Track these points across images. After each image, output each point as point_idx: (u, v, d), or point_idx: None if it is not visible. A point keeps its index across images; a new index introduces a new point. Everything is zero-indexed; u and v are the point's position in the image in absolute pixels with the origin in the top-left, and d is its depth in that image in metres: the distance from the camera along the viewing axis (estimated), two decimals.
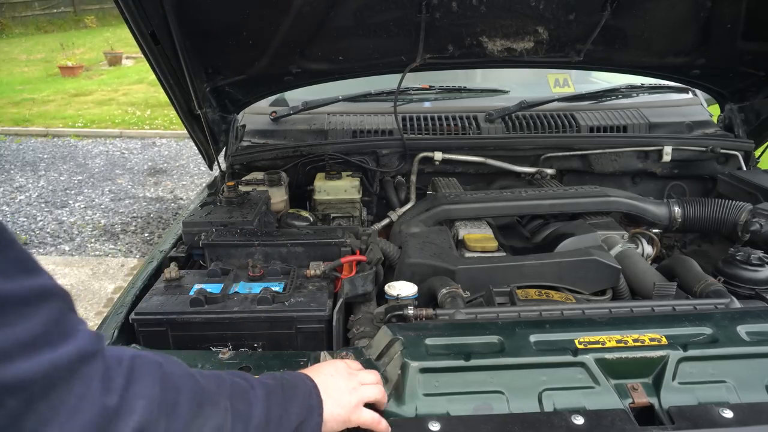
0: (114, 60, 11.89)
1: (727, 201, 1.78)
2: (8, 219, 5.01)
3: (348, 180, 2.00)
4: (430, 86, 2.42)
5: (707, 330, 1.06)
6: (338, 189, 1.98)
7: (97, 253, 4.43)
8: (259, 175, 2.02)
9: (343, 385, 0.90)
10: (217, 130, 2.20)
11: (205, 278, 1.39)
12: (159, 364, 0.63)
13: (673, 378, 0.98)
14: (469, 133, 2.20)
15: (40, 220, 5.01)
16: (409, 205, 2.00)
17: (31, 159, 6.72)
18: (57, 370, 0.51)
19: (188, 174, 6.28)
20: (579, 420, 0.90)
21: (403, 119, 2.24)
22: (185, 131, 2.12)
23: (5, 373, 0.47)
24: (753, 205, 1.74)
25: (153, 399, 0.58)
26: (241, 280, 1.36)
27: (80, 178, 6.08)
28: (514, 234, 1.85)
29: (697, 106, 2.42)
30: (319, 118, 2.29)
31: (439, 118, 2.28)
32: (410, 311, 1.19)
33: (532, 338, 1.04)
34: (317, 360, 1.11)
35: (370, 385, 0.94)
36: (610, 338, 1.04)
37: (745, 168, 2.12)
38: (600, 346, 1.02)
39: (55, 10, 16.35)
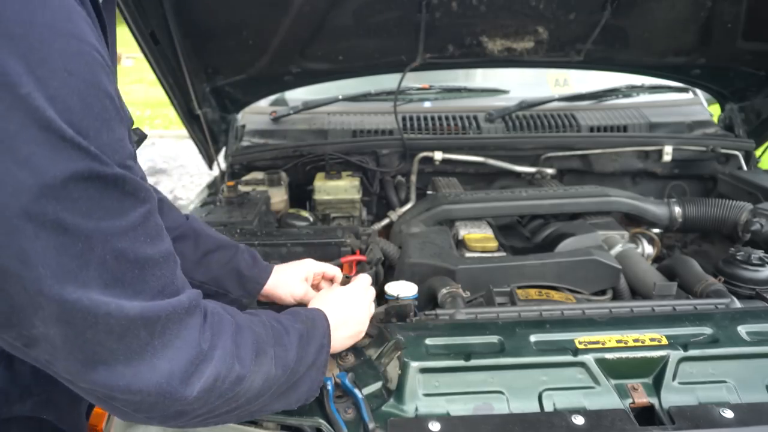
0: None
1: (727, 201, 1.78)
2: None
3: (348, 180, 1.99)
4: (430, 86, 2.42)
5: (708, 330, 1.06)
6: (338, 189, 1.97)
7: None
8: (259, 175, 2.02)
9: (352, 316, 1.04)
10: (216, 130, 2.20)
11: None
12: (232, 322, 0.74)
13: (674, 378, 0.98)
14: (469, 133, 2.20)
15: None
16: (409, 205, 2.00)
17: None
18: (176, 312, 0.63)
19: (188, 174, 6.27)
20: (579, 420, 0.90)
21: (403, 119, 2.24)
22: (185, 131, 2.12)
23: (146, 308, 0.59)
24: (753, 204, 1.74)
25: (227, 350, 0.69)
26: None
27: None
28: (514, 234, 1.85)
29: (697, 105, 2.42)
30: (319, 118, 2.29)
31: (439, 118, 2.28)
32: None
33: (533, 338, 1.04)
34: None
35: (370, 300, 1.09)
36: (610, 338, 1.04)
37: (745, 168, 2.12)
38: (600, 346, 1.02)
39: None
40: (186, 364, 0.63)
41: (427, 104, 2.42)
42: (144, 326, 0.59)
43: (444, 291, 1.31)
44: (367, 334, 1.13)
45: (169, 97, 1.94)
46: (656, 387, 0.98)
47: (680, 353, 0.99)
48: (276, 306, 1.23)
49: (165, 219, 1.00)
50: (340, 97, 2.30)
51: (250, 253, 1.19)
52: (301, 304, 1.19)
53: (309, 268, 1.25)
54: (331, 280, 1.29)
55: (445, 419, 0.92)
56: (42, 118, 0.48)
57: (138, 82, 10.37)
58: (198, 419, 0.70)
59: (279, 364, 0.78)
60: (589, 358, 0.98)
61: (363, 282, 1.13)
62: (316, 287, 1.28)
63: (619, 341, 1.03)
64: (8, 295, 0.52)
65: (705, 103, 2.45)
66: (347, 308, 1.04)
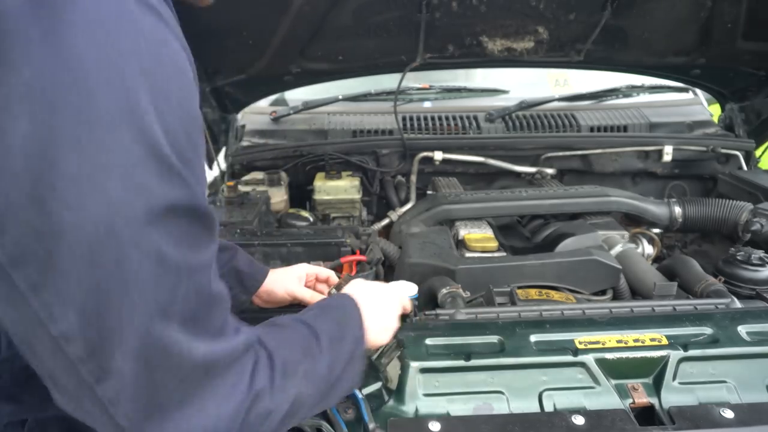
0: None
1: (727, 201, 1.78)
2: None
3: (348, 180, 1.99)
4: (430, 86, 2.42)
5: (708, 330, 1.06)
6: (338, 189, 1.97)
7: None
8: (259, 175, 2.02)
9: (384, 309, 1.00)
10: (216, 130, 2.20)
11: None
12: (265, 354, 0.71)
13: (674, 378, 0.98)
14: (469, 133, 2.20)
15: None
16: (409, 205, 2.00)
17: None
18: (232, 355, 0.63)
19: None
20: (579, 420, 0.90)
21: (403, 119, 2.24)
22: None
23: (208, 351, 0.59)
24: (753, 204, 1.74)
25: (266, 386, 0.68)
26: None
27: None
28: (515, 234, 1.85)
29: (697, 105, 2.42)
30: (319, 118, 2.29)
31: (439, 118, 2.28)
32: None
33: (533, 338, 1.04)
34: None
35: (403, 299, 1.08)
36: (610, 338, 1.04)
37: (745, 168, 2.12)
38: (600, 346, 1.02)
39: None
40: (233, 407, 0.63)
41: (427, 104, 2.42)
42: (205, 369, 0.60)
43: (444, 291, 1.31)
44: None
45: None
46: (656, 387, 0.98)
47: (680, 353, 0.99)
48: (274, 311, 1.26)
49: None
50: (340, 97, 2.30)
51: (246, 255, 1.24)
52: (297, 303, 1.23)
53: (302, 269, 1.30)
54: (326, 282, 1.32)
55: (445, 419, 0.92)
56: (158, 151, 0.52)
57: None
58: None
59: (310, 379, 0.76)
60: (589, 358, 0.98)
61: (401, 286, 1.15)
62: (312, 289, 1.31)
63: (619, 341, 1.03)
64: (103, 321, 0.53)
65: (705, 103, 2.45)
66: (379, 300, 1.00)
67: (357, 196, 1.97)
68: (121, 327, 0.53)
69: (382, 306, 0.99)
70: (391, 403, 0.96)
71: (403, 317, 1.11)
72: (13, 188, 0.48)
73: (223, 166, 2.20)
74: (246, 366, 0.66)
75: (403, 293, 1.11)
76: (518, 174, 2.15)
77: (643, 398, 0.96)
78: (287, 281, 1.25)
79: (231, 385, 0.63)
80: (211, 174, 2.32)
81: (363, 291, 0.98)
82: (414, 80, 2.38)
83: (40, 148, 0.48)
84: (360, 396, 0.96)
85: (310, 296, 1.24)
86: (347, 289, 1.00)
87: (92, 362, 0.54)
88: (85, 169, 0.49)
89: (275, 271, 1.27)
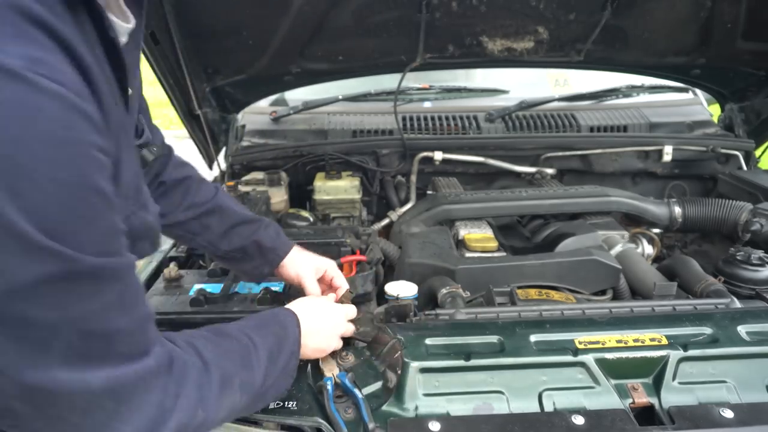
0: None
1: (727, 201, 1.78)
2: None
3: (348, 180, 1.99)
4: (430, 86, 2.42)
5: (707, 330, 1.06)
6: (338, 189, 1.97)
7: None
8: (259, 175, 2.02)
9: (324, 328, 1.04)
10: (216, 130, 2.20)
11: (205, 278, 1.38)
12: (198, 365, 0.73)
13: (674, 378, 0.98)
14: (469, 133, 2.20)
15: None
16: (409, 205, 2.00)
17: None
18: (141, 377, 0.63)
19: None
20: (579, 420, 0.90)
21: (403, 119, 2.24)
22: (185, 131, 2.12)
23: (111, 378, 0.60)
24: (753, 204, 1.74)
25: (191, 400, 0.70)
26: (241, 280, 1.37)
27: None
28: (514, 234, 1.85)
29: (697, 105, 2.42)
30: (319, 118, 2.29)
31: (439, 118, 2.28)
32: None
33: (533, 338, 1.04)
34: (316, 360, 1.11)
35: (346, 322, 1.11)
36: (610, 338, 1.04)
37: (745, 168, 2.12)
38: (600, 346, 1.02)
39: None
40: (149, 424, 0.64)
41: (427, 104, 2.42)
42: (110, 396, 0.60)
43: (444, 291, 1.31)
44: (363, 339, 1.15)
45: (169, 97, 1.94)
46: (656, 387, 0.98)
47: (680, 353, 0.99)
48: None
49: (194, 196, 1.12)
50: (340, 97, 2.30)
51: (275, 228, 1.25)
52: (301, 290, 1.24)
53: (325, 264, 1.28)
54: (334, 292, 1.28)
55: (445, 419, 0.92)
56: (13, 230, 0.50)
57: None
58: None
59: (245, 389, 0.80)
60: (589, 358, 0.98)
61: (347, 309, 1.15)
62: (323, 286, 1.29)
63: (619, 341, 1.03)
64: None
65: (705, 103, 2.45)
66: (321, 319, 1.05)
67: (357, 196, 1.97)
68: None
69: (322, 325, 1.04)
70: (391, 403, 0.96)
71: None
72: None
73: (223, 166, 2.20)
74: (159, 384, 0.66)
75: (347, 316, 1.13)
76: (518, 174, 2.15)
77: (643, 398, 0.96)
78: (303, 267, 1.24)
79: (153, 404, 0.64)
80: (211, 174, 2.32)
81: (307, 309, 1.03)
82: (414, 80, 2.38)
83: None
84: (360, 396, 0.96)
85: (313, 292, 1.22)
86: (293, 305, 1.04)
87: None
88: None
89: (301, 253, 1.26)
